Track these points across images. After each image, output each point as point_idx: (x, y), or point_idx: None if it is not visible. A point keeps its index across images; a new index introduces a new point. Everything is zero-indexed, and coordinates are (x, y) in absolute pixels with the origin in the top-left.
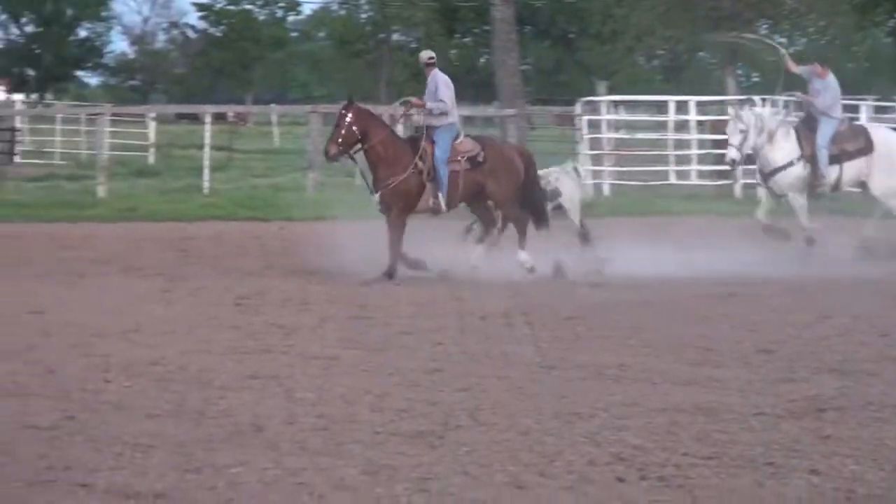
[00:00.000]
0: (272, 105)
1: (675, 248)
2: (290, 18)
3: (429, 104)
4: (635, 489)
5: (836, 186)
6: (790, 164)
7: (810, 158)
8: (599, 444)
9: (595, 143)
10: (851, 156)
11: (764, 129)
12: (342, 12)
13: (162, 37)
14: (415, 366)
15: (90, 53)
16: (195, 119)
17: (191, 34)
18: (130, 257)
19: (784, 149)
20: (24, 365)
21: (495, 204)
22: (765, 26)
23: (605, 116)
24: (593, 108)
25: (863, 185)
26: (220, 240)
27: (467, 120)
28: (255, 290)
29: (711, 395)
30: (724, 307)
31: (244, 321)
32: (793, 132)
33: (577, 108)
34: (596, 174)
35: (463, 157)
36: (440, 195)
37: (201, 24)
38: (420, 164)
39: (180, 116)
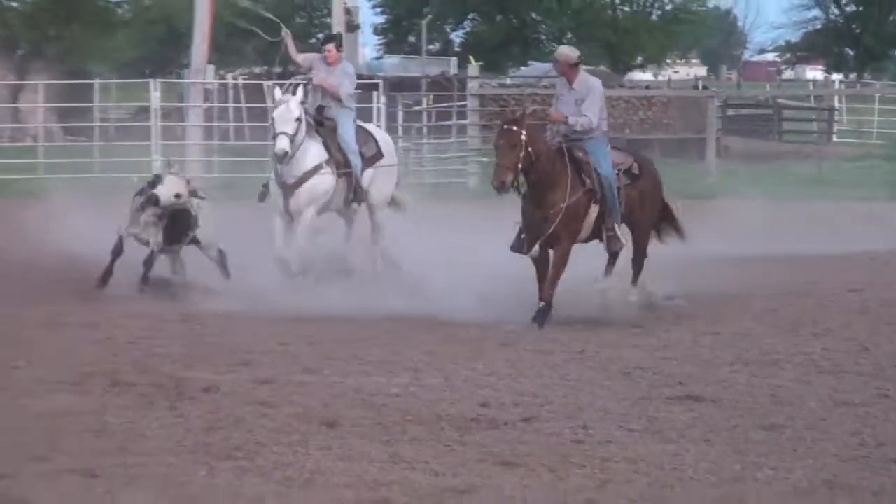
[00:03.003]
0: None
1: None
2: None
3: (571, 119)
4: None
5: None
6: (318, 168)
7: (341, 164)
8: None
9: None
10: (369, 162)
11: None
12: None
13: None
14: None
15: None
16: None
17: None
18: None
19: (312, 151)
20: (839, 342)
21: (634, 227)
22: None
23: None
24: None
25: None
26: None
27: None
28: None
29: None
30: None
31: None
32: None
33: None
34: None
35: (619, 170)
36: (615, 226)
37: None
38: (588, 181)
39: None
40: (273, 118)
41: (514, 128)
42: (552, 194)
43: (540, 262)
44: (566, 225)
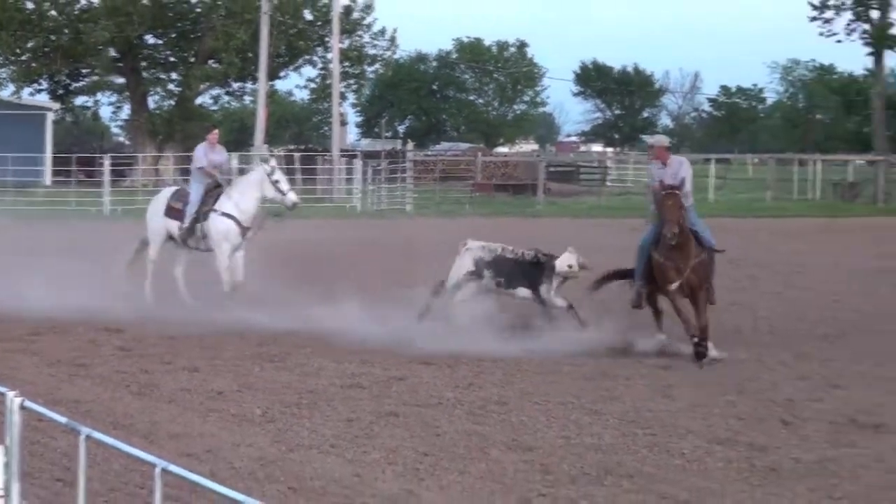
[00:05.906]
0: None
1: None
2: None
3: (686, 188)
4: None
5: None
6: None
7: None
8: None
9: None
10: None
11: None
12: None
13: (692, 114)
14: None
15: (649, 126)
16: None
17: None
18: None
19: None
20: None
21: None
22: None
23: None
24: None
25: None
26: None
27: None
28: None
29: None
30: None
31: None
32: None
33: None
34: None
35: None
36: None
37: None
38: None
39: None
40: (278, 180)
41: (677, 192)
42: (691, 250)
43: (652, 304)
44: (704, 275)
